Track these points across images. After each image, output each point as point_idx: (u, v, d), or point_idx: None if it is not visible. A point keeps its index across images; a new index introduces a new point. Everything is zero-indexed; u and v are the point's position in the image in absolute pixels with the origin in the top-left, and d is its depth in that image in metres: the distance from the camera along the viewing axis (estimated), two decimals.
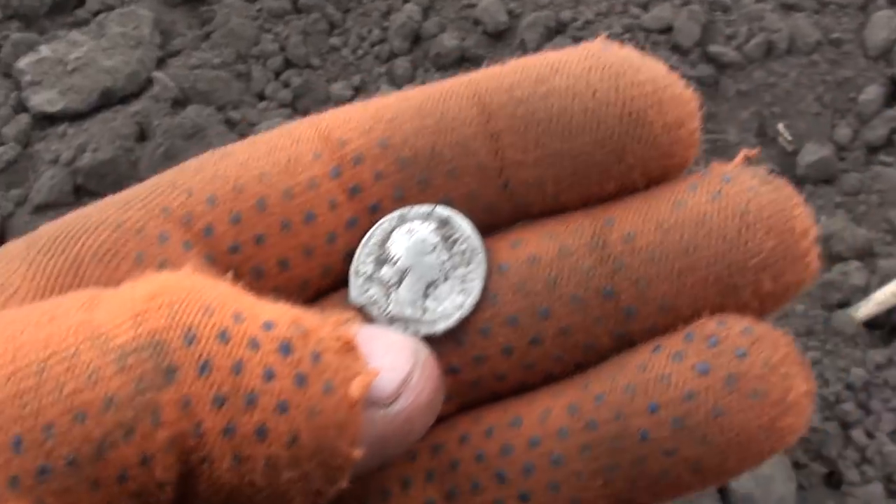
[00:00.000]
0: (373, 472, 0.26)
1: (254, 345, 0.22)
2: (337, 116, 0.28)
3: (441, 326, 0.27)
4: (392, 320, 0.27)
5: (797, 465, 1.00)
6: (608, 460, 0.25)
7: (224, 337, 0.21)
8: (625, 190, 0.26)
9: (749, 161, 0.26)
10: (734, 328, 0.24)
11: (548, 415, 0.26)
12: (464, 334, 0.27)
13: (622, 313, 0.25)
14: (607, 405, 0.25)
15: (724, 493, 0.98)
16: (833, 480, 1.01)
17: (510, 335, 0.26)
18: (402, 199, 0.27)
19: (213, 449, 0.21)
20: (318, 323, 0.23)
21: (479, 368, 0.27)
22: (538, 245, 0.26)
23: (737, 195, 0.25)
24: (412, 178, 0.27)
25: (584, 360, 0.26)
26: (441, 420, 0.27)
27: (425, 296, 0.27)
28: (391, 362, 0.24)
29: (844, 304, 1.06)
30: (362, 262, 0.27)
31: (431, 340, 0.26)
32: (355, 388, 0.22)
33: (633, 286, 0.25)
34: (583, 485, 0.25)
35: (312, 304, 0.27)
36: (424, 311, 0.27)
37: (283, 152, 0.27)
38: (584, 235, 0.26)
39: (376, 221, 0.27)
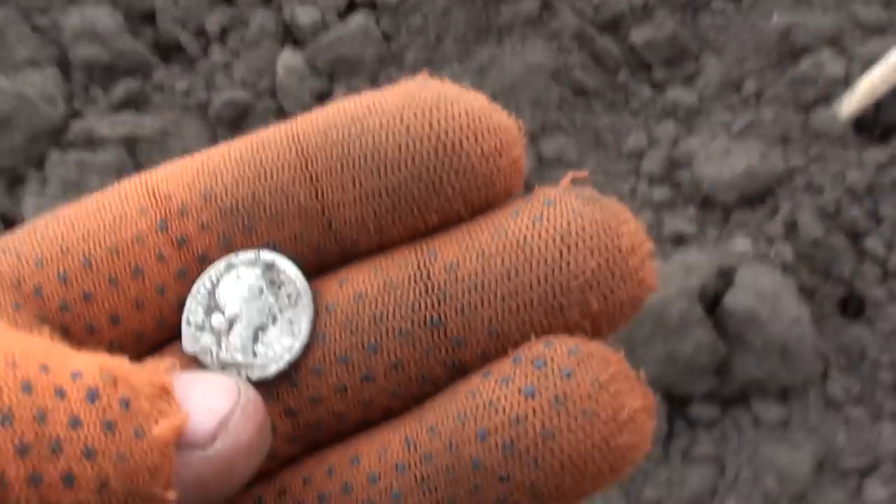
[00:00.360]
0: None
1: (60, 393, 0.22)
2: (164, 171, 0.28)
3: (272, 369, 0.27)
4: (224, 366, 0.27)
5: (805, 291, 0.83)
6: (446, 492, 0.25)
7: (27, 388, 0.22)
8: (449, 221, 0.26)
9: (576, 182, 0.26)
10: (560, 349, 0.24)
11: (386, 450, 0.26)
12: (297, 376, 0.27)
13: (451, 343, 0.25)
14: (440, 436, 0.25)
15: (715, 314, 0.81)
16: (851, 307, 0.85)
17: (342, 374, 0.26)
18: (229, 247, 0.27)
19: (20, 498, 0.21)
20: (131, 370, 0.23)
21: (316, 409, 0.27)
22: (364, 281, 0.27)
23: (558, 217, 0.25)
24: (236, 226, 0.27)
25: (420, 392, 0.26)
26: (288, 462, 0.27)
27: (255, 340, 0.27)
28: (209, 405, 0.24)
29: (822, 100, 0.89)
30: (192, 311, 0.27)
31: (266, 384, 0.27)
32: (161, 431, 0.22)
33: (459, 314, 0.25)
34: None
35: (149, 356, 0.27)
36: (255, 355, 0.27)
37: (110, 211, 0.27)
38: (409, 268, 0.26)
39: (203, 271, 0.27)
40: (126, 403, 0.22)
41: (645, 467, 0.83)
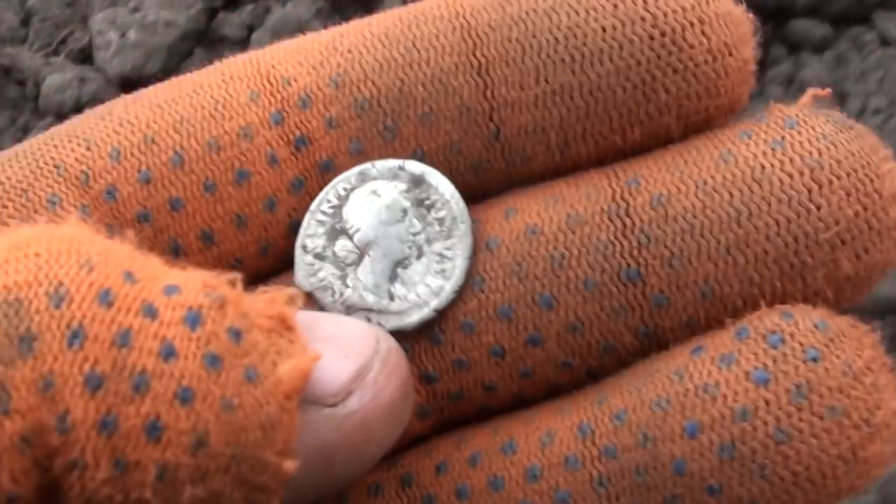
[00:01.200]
0: None
1: (149, 312, 0.16)
2: (281, 49, 0.23)
3: (413, 318, 0.21)
4: (349, 310, 0.22)
5: None
6: (631, 499, 0.19)
7: (106, 299, 0.16)
8: (654, 140, 0.21)
9: (820, 101, 0.21)
10: (804, 323, 0.19)
11: (552, 438, 0.21)
12: (441, 330, 0.22)
13: (650, 303, 0.20)
14: (631, 426, 0.20)
15: None
16: None
17: (501, 332, 0.21)
18: (362, 154, 0.22)
19: (86, 450, 0.16)
20: (243, 294, 0.18)
21: (461, 376, 0.22)
22: (540, 213, 0.21)
23: (806, 144, 0.20)
24: (374, 126, 0.22)
25: (599, 366, 0.21)
26: (414, 442, 0.22)
27: (392, 279, 0.22)
28: (343, 350, 0.18)
29: None
30: (311, 234, 0.22)
31: (399, 337, 0.21)
32: (289, 376, 0.17)
33: (665, 266, 0.20)
34: None
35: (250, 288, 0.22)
36: (391, 297, 0.22)
37: (211, 93, 0.22)
38: (601, 199, 0.21)
39: (328, 183, 0.22)
40: (236, 335, 0.17)
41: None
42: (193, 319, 0.17)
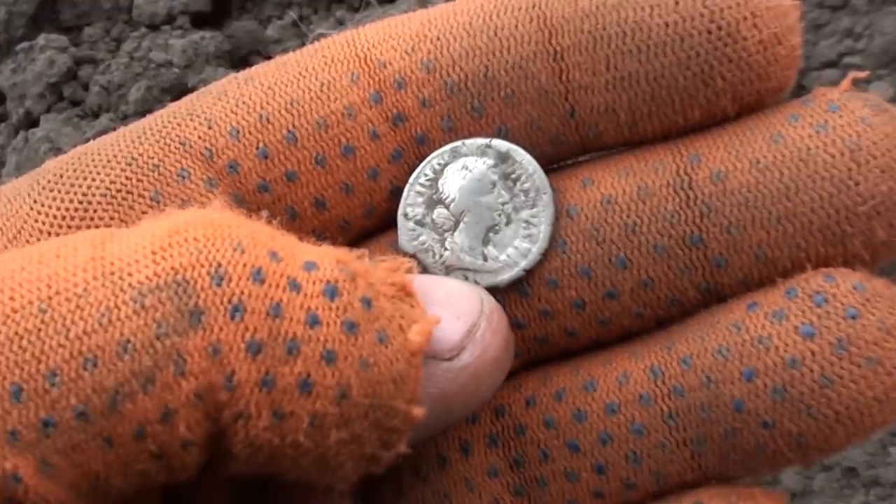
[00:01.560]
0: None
1: (294, 286, 0.19)
2: (376, 33, 0.25)
3: (505, 276, 0.24)
4: (448, 269, 0.25)
5: None
6: (696, 431, 0.23)
7: (259, 276, 0.19)
8: (712, 119, 0.23)
9: (858, 85, 0.23)
10: (844, 284, 0.22)
11: (627, 378, 0.24)
12: (529, 285, 0.24)
13: (711, 264, 0.23)
14: (696, 370, 0.23)
15: None
16: None
17: (582, 288, 0.24)
18: (452, 130, 0.25)
19: (249, 403, 0.19)
20: (368, 266, 0.21)
21: (546, 324, 0.25)
22: (614, 184, 0.24)
23: (846, 127, 0.22)
24: (463, 106, 0.24)
25: (666, 316, 0.24)
26: (505, 378, 0.24)
27: (485, 242, 0.24)
28: (454, 311, 0.22)
29: None
30: (411, 203, 0.25)
31: (492, 292, 0.24)
32: (414, 337, 0.20)
33: (723, 233, 0.23)
34: (667, 457, 0.23)
35: (356, 247, 0.24)
36: (485, 258, 0.24)
37: (316, 75, 0.24)
38: (667, 173, 0.23)
39: (423, 155, 0.25)
40: (368, 303, 0.20)
41: None
42: (332, 292, 0.20)
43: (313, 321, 0.19)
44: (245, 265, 0.19)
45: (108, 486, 0.19)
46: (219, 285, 0.19)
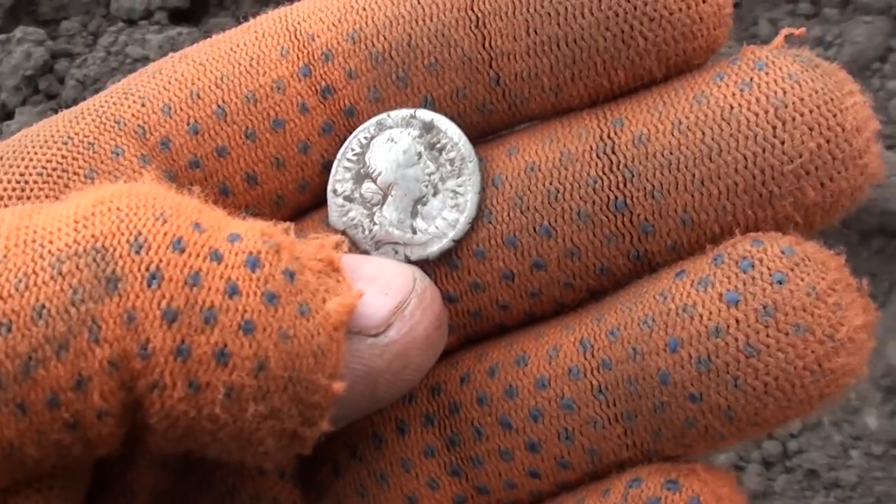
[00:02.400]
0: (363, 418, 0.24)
1: (215, 256, 0.19)
2: (305, 7, 0.25)
3: (434, 248, 0.24)
4: (378, 244, 0.24)
5: None
6: (626, 406, 0.22)
7: (179, 246, 0.19)
8: (639, 82, 0.23)
9: (792, 41, 0.23)
10: (772, 248, 0.21)
11: (557, 352, 0.23)
12: (458, 258, 0.24)
13: (637, 230, 0.23)
14: (623, 341, 0.22)
15: None
16: None
17: (509, 258, 0.24)
18: (379, 101, 0.25)
19: (164, 373, 0.19)
20: (295, 240, 0.20)
21: (478, 297, 0.24)
22: (537, 151, 0.23)
23: (772, 84, 0.21)
24: (388, 76, 0.24)
25: (598, 285, 0.23)
26: (442, 355, 0.24)
27: (413, 214, 0.24)
28: (383, 288, 0.21)
29: None
30: (340, 179, 0.25)
31: (423, 264, 0.24)
32: (334, 309, 0.20)
33: (648, 198, 0.22)
34: (599, 434, 0.22)
35: (292, 221, 0.24)
36: (414, 231, 0.24)
37: (246, 50, 0.24)
38: (590, 138, 0.23)
39: (353, 127, 0.25)
40: (291, 275, 0.19)
41: None
42: (253, 263, 0.19)
43: (232, 291, 0.19)
44: (166, 234, 0.19)
45: (23, 456, 0.19)
46: (137, 253, 0.19)
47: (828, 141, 0.21)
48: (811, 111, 0.21)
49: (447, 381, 0.25)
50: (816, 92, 0.21)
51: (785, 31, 0.23)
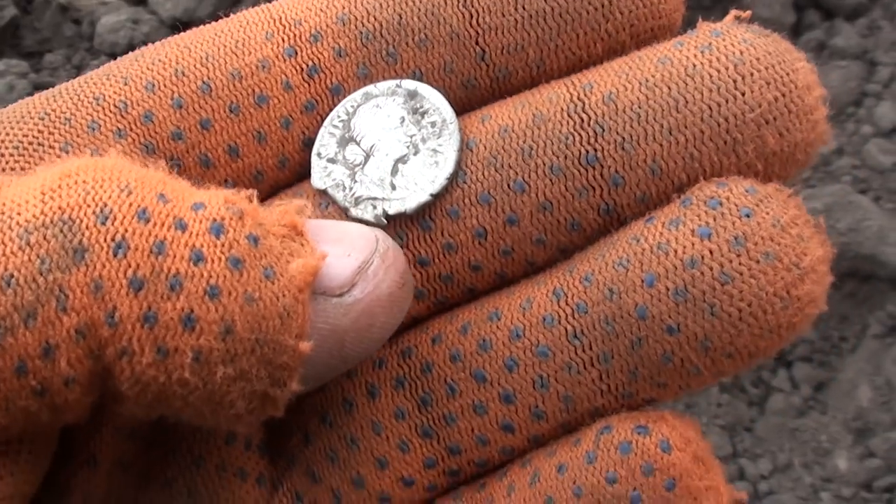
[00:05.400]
0: (334, 382, 0.25)
1: (180, 225, 0.20)
2: (289, 0, 0.26)
3: (412, 203, 0.24)
4: (358, 201, 0.25)
5: None
6: (602, 347, 0.23)
7: (144, 216, 0.20)
8: (613, 54, 0.25)
9: (740, 21, 0.24)
10: (736, 188, 0.22)
11: (531, 303, 0.24)
12: (432, 219, 0.25)
13: (608, 182, 0.23)
14: (598, 284, 0.23)
15: None
16: None
17: (483, 216, 0.24)
18: (368, 77, 0.25)
19: (132, 340, 0.19)
20: (258, 207, 0.21)
21: (450, 258, 0.25)
22: (510, 115, 0.24)
23: (729, 46, 0.23)
24: (378, 53, 0.25)
25: (569, 242, 0.24)
26: (413, 323, 0.25)
27: (394, 172, 0.25)
28: (346, 249, 0.22)
29: None
30: (324, 143, 0.25)
31: (399, 222, 0.25)
32: (298, 271, 0.20)
33: (618, 150, 0.23)
34: (574, 379, 0.23)
35: (270, 198, 0.26)
36: (394, 188, 0.25)
37: (231, 35, 0.25)
38: (562, 101, 0.24)
39: (337, 104, 0.26)
40: (255, 240, 0.20)
41: None
42: (217, 229, 0.20)
43: (197, 258, 0.19)
44: (131, 205, 0.20)
45: None
46: (103, 224, 0.19)
47: (783, 94, 0.23)
48: (767, 68, 0.23)
49: (418, 343, 0.25)
50: (770, 53, 0.23)
51: (734, 13, 0.25)
